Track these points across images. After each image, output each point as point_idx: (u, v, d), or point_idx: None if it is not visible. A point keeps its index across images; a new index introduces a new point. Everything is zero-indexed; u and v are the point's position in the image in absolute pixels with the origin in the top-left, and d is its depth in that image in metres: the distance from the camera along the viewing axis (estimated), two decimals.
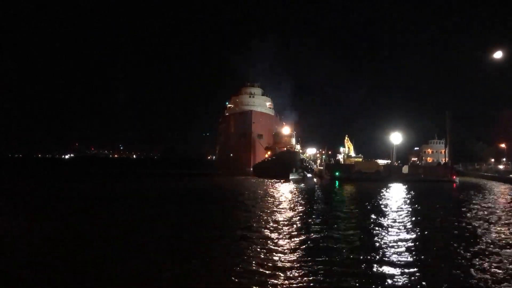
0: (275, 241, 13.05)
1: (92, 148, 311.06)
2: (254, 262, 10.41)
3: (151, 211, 20.53)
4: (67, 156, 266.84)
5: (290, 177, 48.38)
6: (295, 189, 34.65)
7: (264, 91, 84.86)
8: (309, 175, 56.10)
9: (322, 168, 60.83)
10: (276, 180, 44.69)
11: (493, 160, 77.11)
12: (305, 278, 9.09)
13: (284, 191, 32.14)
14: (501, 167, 63.29)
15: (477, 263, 10.57)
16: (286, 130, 63.66)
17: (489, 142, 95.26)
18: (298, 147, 63.90)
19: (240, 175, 57.73)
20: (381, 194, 30.67)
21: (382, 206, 23.16)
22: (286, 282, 8.85)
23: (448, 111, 57.88)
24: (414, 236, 14.31)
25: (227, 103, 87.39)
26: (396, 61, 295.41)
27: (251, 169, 63.98)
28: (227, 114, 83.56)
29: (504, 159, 74.97)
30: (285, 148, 58.15)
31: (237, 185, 39.28)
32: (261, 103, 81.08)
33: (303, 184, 41.66)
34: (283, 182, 43.41)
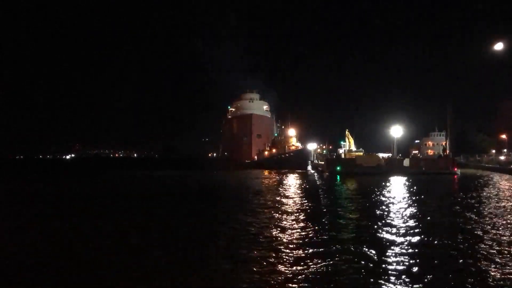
0: (279, 235, 13.01)
1: (93, 148, 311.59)
2: (255, 259, 10.39)
3: (168, 208, 20.52)
4: (68, 157, 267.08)
5: (308, 169, 61.94)
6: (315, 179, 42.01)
7: (261, 95, 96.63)
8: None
9: (323, 162, 60.94)
10: (295, 171, 55.46)
11: (494, 151, 76.96)
12: (309, 276, 9.05)
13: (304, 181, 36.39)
14: (502, 158, 63.17)
15: (478, 258, 10.52)
16: (291, 132, 75.11)
17: (490, 133, 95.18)
18: (299, 144, 73.57)
19: (247, 168, 69.13)
20: (383, 187, 30.64)
21: (383, 200, 23.11)
22: (289, 280, 8.80)
23: (449, 103, 57.78)
24: (416, 231, 14.26)
25: (229, 107, 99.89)
26: (396, 53, 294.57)
27: (256, 163, 75.70)
28: (229, 117, 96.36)
29: (505, 150, 74.80)
30: (293, 147, 71.13)
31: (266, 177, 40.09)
32: (259, 107, 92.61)
33: (316, 175, 51.02)
34: (302, 172, 53.51)
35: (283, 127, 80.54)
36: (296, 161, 62.24)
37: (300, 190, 29.31)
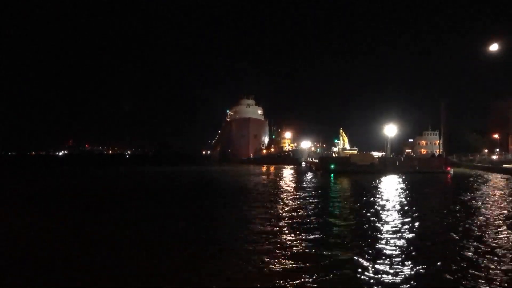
0: (279, 235, 12.92)
1: (86, 144, 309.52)
2: (255, 258, 10.29)
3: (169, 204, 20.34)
4: (61, 153, 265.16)
5: (302, 164, 73.78)
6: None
7: (257, 101, 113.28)
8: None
9: (317, 161, 60.92)
10: (291, 166, 68.74)
11: (486, 150, 77.60)
12: (310, 273, 8.97)
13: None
14: (494, 157, 63.72)
15: (470, 256, 10.51)
16: (287, 134, 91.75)
17: (483, 132, 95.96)
18: (294, 144, 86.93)
19: (246, 163, 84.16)
20: (376, 186, 30.69)
21: (375, 198, 23.13)
22: (290, 280, 8.69)
23: (442, 102, 57.96)
24: (409, 231, 14.25)
25: (227, 110, 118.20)
26: (390, 52, 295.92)
27: (253, 159, 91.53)
28: (228, 119, 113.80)
29: (498, 150, 75.48)
30: (289, 147, 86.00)
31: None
32: (255, 111, 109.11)
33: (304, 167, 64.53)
34: (297, 167, 66.31)
35: (279, 130, 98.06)
36: (292, 158, 77.09)
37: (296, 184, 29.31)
